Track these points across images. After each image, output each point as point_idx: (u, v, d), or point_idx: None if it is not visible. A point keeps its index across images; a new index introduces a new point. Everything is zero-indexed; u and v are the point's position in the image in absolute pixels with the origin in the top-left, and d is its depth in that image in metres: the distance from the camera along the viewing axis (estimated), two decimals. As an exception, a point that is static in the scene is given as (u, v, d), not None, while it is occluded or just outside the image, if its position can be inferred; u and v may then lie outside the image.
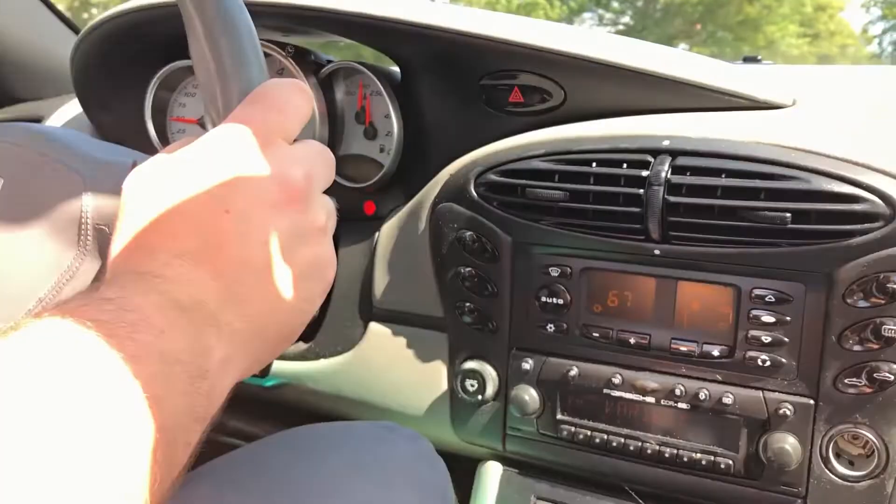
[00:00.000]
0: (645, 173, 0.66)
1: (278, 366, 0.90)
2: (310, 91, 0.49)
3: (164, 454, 0.34)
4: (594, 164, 0.69)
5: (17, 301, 0.61)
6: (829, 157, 0.63)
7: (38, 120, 1.13)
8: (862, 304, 0.61)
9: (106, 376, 0.33)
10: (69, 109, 1.13)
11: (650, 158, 0.67)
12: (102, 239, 0.61)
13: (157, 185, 0.43)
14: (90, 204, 0.61)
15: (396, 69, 0.89)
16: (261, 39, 0.57)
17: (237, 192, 0.42)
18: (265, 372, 0.71)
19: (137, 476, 0.32)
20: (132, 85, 0.99)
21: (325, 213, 0.47)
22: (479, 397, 0.78)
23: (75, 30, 1.19)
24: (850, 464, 0.65)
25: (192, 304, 0.39)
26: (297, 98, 0.47)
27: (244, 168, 0.43)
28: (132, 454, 0.32)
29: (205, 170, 0.42)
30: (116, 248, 0.43)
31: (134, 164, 0.63)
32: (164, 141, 1.02)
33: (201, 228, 0.41)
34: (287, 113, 0.47)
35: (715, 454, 0.69)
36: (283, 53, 0.88)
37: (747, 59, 1.05)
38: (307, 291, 0.46)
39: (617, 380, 0.72)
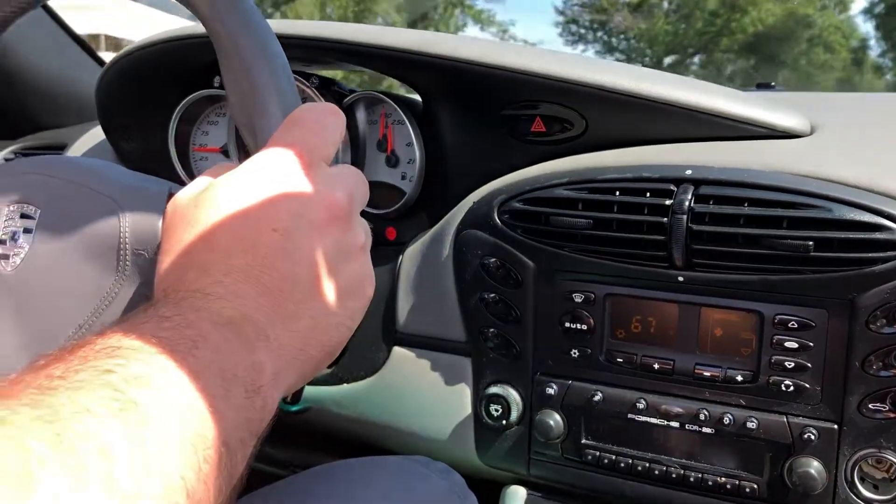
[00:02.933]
0: (668, 202, 0.68)
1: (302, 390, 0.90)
2: (342, 114, 0.51)
3: (226, 468, 0.35)
4: (617, 193, 0.70)
5: (58, 328, 0.62)
6: (849, 185, 0.64)
7: (62, 147, 1.15)
8: (886, 330, 0.62)
9: (172, 392, 0.34)
10: (91, 137, 1.15)
11: (673, 187, 0.68)
12: (141, 263, 0.62)
13: (204, 205, 0.45)
14: (128, 229, 0.62)
15: (418, 98, 0.90)
16: None
17: (284, 212, 0.44)
18: (297, 398, 0.72)
19: (202, 490, 0.33)
20: (156, 114, 1.01)
21: (364, 232, 0.49)
22: (504, 422, 0.78)
23: (97, 59, 1.21)
24: (875, 487, 0.66)
25: (242, 320, 0.40)
26: (332, 121, 0.49)
27: (290, 189, 0.44)
28: (200, 468, 0.33)
29: (252, 190, 0.44)
30: (165, 266, 0.45)
31: (170, 192, 0.64)
32: (187, 169, 1.03)
33: (250, 246, 0.42)
34: (325, 136, 0.48)
35: (739, 478, 0.70)
36: (308, 84, 0.90)
37: (761, 86, 1.06)
38: (349, 308, 0.47)
39: (641, 405, 0.73)
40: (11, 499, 0.26)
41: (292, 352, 0.43)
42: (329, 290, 0.45)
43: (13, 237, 0.65)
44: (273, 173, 0.45)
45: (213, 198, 0.45)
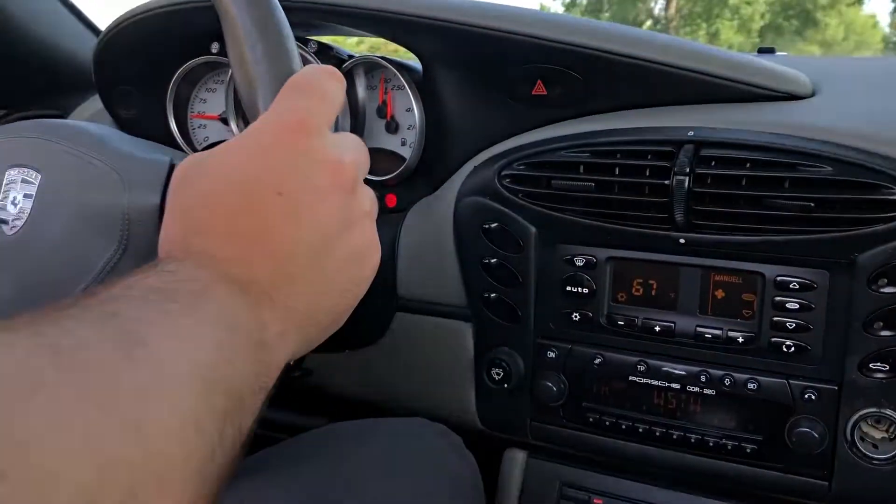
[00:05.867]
0: (670, 164, 0.67)
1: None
2: (342, 77, 0.51)
3: (237, 414, 0.35)
4: (619, 156, 0.70)
5: (58, 294, 0.62)
6: (851, 146, 0.64)
7: (60, 116, 1.14)
8: (887, 289, 0.62)
9: (180, 333, 0.34)
10: (89, 106, 1.14)
11: (675, 149, 0.68)
12: (141, 233, 0.62)
13: (209, 169, 0.44)
14: (129, 199, 0.62)
15: (418, 63, 0.90)
16: None
17: (289, 176, 0.43)
18: (299, 365, 0.72)
19: (221, 437, 0.33)
20: (153, 81, 1.01)
21: (368, 199, 0.49)
22: (505, 386, 0.79)
23: (95, 29, 1.20)
24: (875, 447, 0.67)
25: (246, 280, 0.40)
26: (333, 84, 0.49)
27: (295, 152, 0.44)
28: (212, 408, 0.33)
29: (256, 154, 0.44)
30: (168, 229, 0.44)
31: (172, 163, 0.64)
32: (186, 137, 1.03)
33: (254, 209, 0.42)
34: (326, 99, 0.48)
35: (739, 439, 0.71)
36: (306, 49, 0.89)
37: (762, 51, 1.06)
38: (355, 274, 0.47)
39: (642, 367, 0.74)
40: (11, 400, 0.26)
41: (297, 315, 0.43)
42: (334, 255, 0.45)
43: (13, 202, 0.65)
44: (277, 138, 0.45)
45: (218, 163, 0.44)
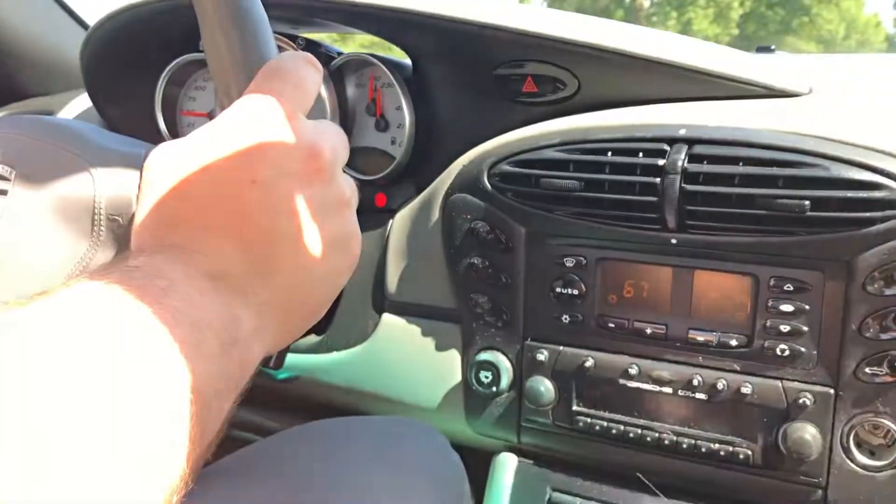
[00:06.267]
0: (661, 162, 0.66)
1: (290, 359, 0.89)
2: (319, 63, 0.49)
3: (199, 417, 0.34)
4: (609, 154, 0.69)
5: (32, 292, 0.61)
6: (847, 143, 0.62)
7: (48, 114, 1.13)
8: (883, 291, 0.61)
9: (140, 339, 0.33)
10: (78, 104, 1.13)
11: (666, 147, 0.66)
12: (116, 229, 0.60)
13: (181, 159, 0.43)
14: (103, 194, 0.60)
15: (408, 60, 0.88)
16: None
17: (263, 163, 0.42)
18: (279, 363, 0.70)
19: (174, 440, 0.32)
20: (142, 79, 0.99)
21: (348, 187, 0.47)
22: (494, 389, 0.77)
23: (83, 24, 1.19)
24: (871, 453, 0.65)
25: (218, 273, 0.39)
26: (309, 71, 0.47)
27: (269, 139, 0.42)
28: (170, 415, 0.32)
29: (229, 142, 0.42)
30: (140, 222, 0.43)
31: (147, 154, 0.63)
32: (175, 135, 1.01)
33: (227, 199, 0.41)
34: (302, 86, 0.47)
35: (733, 444, 0.69)
36: (294, 46, 0.88)
37: (760, 49, 1.04)
38: (334, 265, 0.45)
39: (633, 370, 0.72)
40: None
41: (273, 307, 0.42)
42: (311, 244, 0.43)
43: (-13, 198, 0.63)
44: (250, 124, 0.43)
45: (189, 152, 0.43)
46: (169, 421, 0.32)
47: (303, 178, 0.43)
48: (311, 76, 0.48)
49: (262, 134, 0.43)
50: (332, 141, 0.46)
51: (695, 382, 0.69)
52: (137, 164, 0.62)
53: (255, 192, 0.41)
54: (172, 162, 0.43)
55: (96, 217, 0.61)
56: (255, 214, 0.41)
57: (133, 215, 0.60)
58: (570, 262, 0.73)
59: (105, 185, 0.61)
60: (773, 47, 1.04)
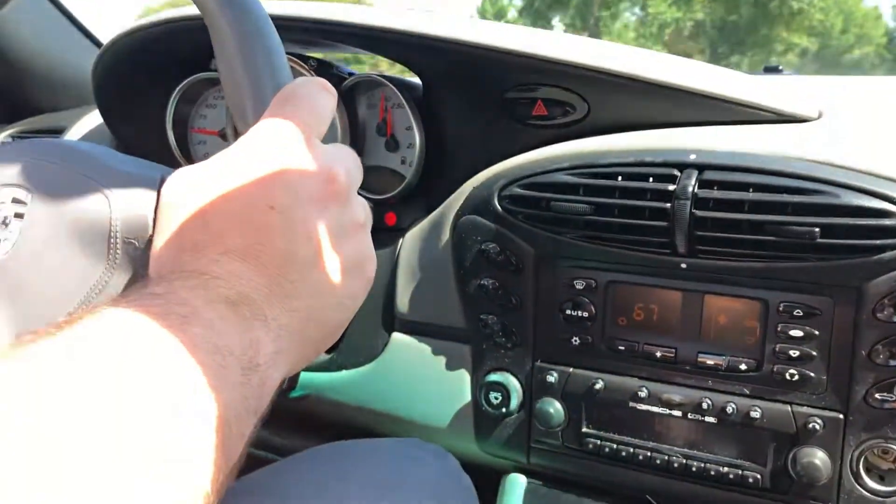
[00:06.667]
0: (671, 187, 0.66)
1: (301, 377, 0.90)
2: (333, 88, 0.50)
3: (222, 444, 0.34)
4: (619, 178, 0.69)
5: (49, 316, 0.61)
6: (857, 171, 0.62)
7: (59, 131, 1.13)
8: (893, 318, 0.61)
9: (163, 367, 0.33)
10: (89, 121, 1.14)
11: (677, 172, 0.67)
12: (132, 252, 0.61)
13: (200, 184, 0.43)
14: (119, 217, 0.61)
15: (418, 81, 0.89)
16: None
17: (281, 188, 0.42)
18: (292, 384, 0.71)
19: (199, 465, 0.32)
20: (154, 97, 1.00)
21: (363, 210, 0.48)
22: (504, 410, 0.77)
23: (95, 41, 1.19)
24: (881, 478, 0.65)
25: (239, 298, 0.39)
26: (324, 96, 0.48)
27: (287, 165, 0.43)
28: (193, 444, 0.32)
29: (247, 168, 0.43)
30: (159, 247, 0.44)
31: (162, 179, 0.63)
32: (185, 152, 1.02)
33: (246, 224, 0.41)
34: (317, 111, 0.47)
35: (742, 468, 0.69)
36: (307, 67, 0.89)
37: (768, 70, 1.04)
38: (350, 287, 0.46)
39: (643, 393, 0.72)
40: None
41: (291, 332, 0.42)
42: (328, 268, 0.44)
43: (4, 222, 0.64)
44: (267, 150, 0.44)
45: (209, 177, 0.44)
46: (193, 449, 0.32)
47: (319, 203, 0.44)
48: (325, 101, 0.49)
49: (279, 160, 0.43)
50: (348, 165, 0.47)
51: (704, 406, 0.70)
52: (153, 186, 0.62)
53: (274, 218, 0.42)
54: (191, 187, 0.44)
55: (112, 240, 0.61)
56: (274, 239, 0.41)
57: (149, 238, 0.60)
58: (579, 285, 0.73)
59: (121, 207, 0.61)
60: (780, 67, 1.04)
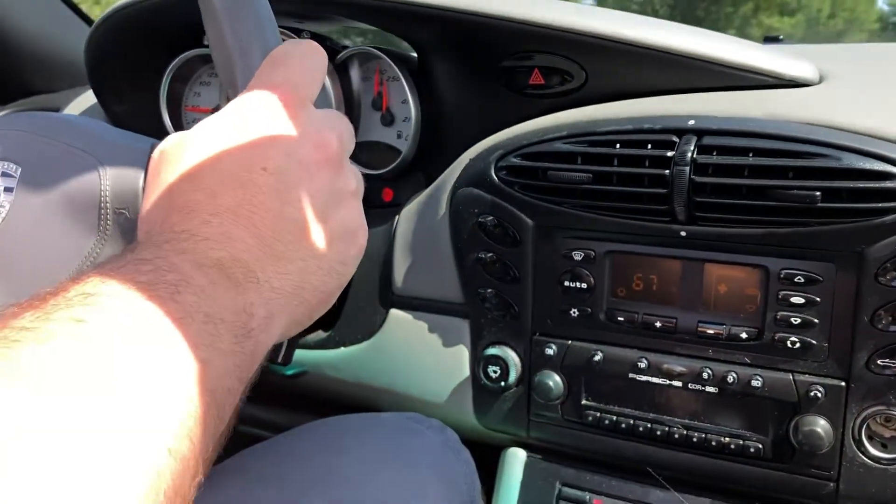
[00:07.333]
0: (670, 154, 0.65)
1: (299, 354, 0.89)
2: (323, 51, 0.49)
3: (212, 415, 0.34)
4: (618, 146, 0.68)
5: (40, 288, 0.61)
6: (859, 133, 0.61)
7: (53, 111, 1.12)
8: (895, 282, 0.60)
9: (152, 343, 0.32)
10: (84, 101, 1.13)
11: (675, 138, 0.66)
12: (123, 223, 0.60)
13: (190, 147, 0.43)
14: (109, 188, 0.60)
15: (413, 53, 0.88)
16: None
17: (274, 150, 0.42)
18: (287, 358, 0.70)
19: (189, 438, 0.32)
20: (147, 75, 0.99)
21: (355, 178, 0.48)
22: (502, 384, 0.77)
23: (88, 21, 1.18)
24: (884, 446, 0.64)
25: (231, 261, 0.39)
26: (315, 58, 0.48)
27: (279, 127, 0.43)
28: (183, 418, 0.32)
29: (240, 129, 0.42)
30: (149, 209, 0.43)
31: (152, 149, 0.63)
32: (179, 129, 1.01)
33: (239, 185, 0.41)
34: (308, 73, 0.47)
35: (744, 438, 0.68)
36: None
37: (768, 39, 1.03)
38: (342, 253, 0.46)
39: (643, 364, 0.71)
40: None
41: (284, 295, 0.42)
42: (320, 232, 0.44)
43: (-7, 195, 0.63)
44: (260, 113, 0.43)
45: (200, 139, 0.43)
46: (183, 422, 0.32)
47: (312, 167, 0.43)
48: (316, 63, 0.48)
49: (271, 123, 0.43)
50: (340, 130, 0.46)
51: (704, 376, 0.69)
52: (143, 157, 0.62)
53: (266, 179, 0.41)
54: (182, 148, 0.43)
55: (103, 211, 0.61)
56: (266, 201, 0.41)
57: (140, 207, 0.60)
58: (578, 256, 0.72)
59: (111, 178, 0.61)
60: (780, 37, 1.03)
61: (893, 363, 0.61)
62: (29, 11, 1.12)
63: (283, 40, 0.51)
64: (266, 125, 0.43)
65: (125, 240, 0.60)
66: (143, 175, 0.60)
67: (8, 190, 0.63)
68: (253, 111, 0.43)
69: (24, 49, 1.12)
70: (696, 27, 0.74)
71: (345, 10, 0.85)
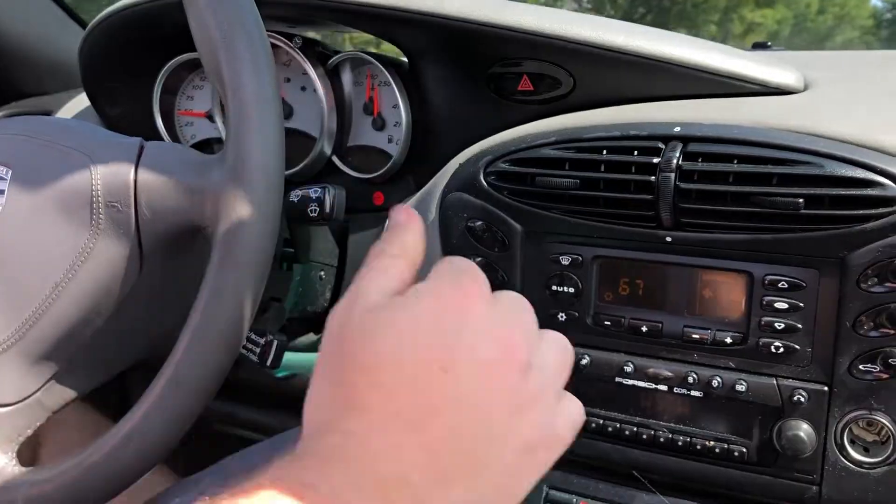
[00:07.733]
0: (656, 160, 0.66)
1: (289, 357, 0.89)
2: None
3: None
4: (605, 152, 0.69)
5: (35, 286, 0.61)
6: (842, 141, 0.62)
7: (46, 114, 1.13)
8: (877, 289, 0.61)
9: None
10: (77, 103, 1.13)
11: (661, 145, 0.66)
12: (115, 215, 0.61)
13: (371, 331, 0.39)
14: (100, 182, 0.61)
15: (404, 59, 0.88)
16: (267, 31, 0.58)
17: (456, 350, 0.38)
18: (276, 362, 0.71)
19: None
20: (140, 78, 1.00)
21: (554, 372, 0.44)
22: (491, 387, 0.77)
23: (82, 23, 1.19)
24: (866, 450, 0.65)
25: (396, 482, 0.36)
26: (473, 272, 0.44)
27: (465, 325, 0.39)
28: None
29: (423, 323, 0.39)
30: (320, 394, 0.40)
31: (141, 144, 0.63)
32: (172, 134, 1.02)
33: (417, 387, 0.37)
34: (482, 277, 0.43)
35: (728, 442, 0.69)
36: (291, 45, 0.88)
37: (757, 46, 1.04)
38: (522, 471, 0.41)
39: (629, 368, 0.72)
40: None
41: None
42: (499, 448, 0.39)
43: (-16, 197, 0.64)
44: (444, 305, 0.40)
45: (382, 324, 0.39)
46: None
47: (495, 367, 0.39)
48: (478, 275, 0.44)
49: (455, 317, 0.39)
50: (527, 324, 0.43)
51: (690, 380, 0.69)
52: (132, 151, 0.63)
53: (446, 384, 0.37)
54: (360, 332, 0.39)
55: (94, 205, 0.61)
56: (443, 409, 0.37)
57: (133, 199, 0.60)
58: (565, 260, 0.73)
59: (101, 172, 0.61)
60: (769, 43, 1.04)
61: (875, 368, 0.62)
62: (22, 13, 1.12)
63: (272, 42, 0.52)
64: (449, 321, 0.39)
65: (118, 233, 0.61)
66: (132, 169, 0.61)
67: (-1, 191, 0.64)
68: (438, 300, 0.40)
69: (17, 51, 1.13)
70: (683, 35, 0.75)
71: (336, 16, 0.86)
